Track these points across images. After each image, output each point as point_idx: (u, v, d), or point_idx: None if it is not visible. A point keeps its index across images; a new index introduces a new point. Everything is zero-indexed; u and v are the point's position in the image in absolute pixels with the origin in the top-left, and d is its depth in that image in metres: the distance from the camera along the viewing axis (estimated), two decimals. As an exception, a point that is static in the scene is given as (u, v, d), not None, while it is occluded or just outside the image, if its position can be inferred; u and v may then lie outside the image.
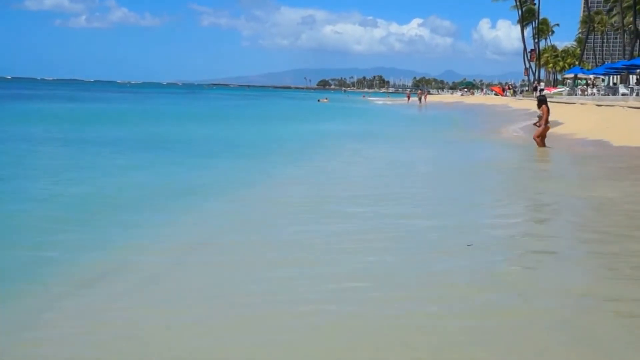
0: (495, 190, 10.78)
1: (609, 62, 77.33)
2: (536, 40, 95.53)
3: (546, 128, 17.53)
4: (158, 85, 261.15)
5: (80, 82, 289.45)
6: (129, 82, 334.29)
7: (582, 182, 11.57)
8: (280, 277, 5.32)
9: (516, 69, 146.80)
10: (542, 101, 17.89)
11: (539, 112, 17.63)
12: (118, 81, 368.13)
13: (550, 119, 17.83)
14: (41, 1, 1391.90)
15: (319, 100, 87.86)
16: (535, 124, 18.14)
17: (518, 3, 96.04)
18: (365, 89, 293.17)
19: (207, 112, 47.14)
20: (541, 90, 65.66)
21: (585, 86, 62.92)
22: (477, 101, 72.36)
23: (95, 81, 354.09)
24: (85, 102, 57.17)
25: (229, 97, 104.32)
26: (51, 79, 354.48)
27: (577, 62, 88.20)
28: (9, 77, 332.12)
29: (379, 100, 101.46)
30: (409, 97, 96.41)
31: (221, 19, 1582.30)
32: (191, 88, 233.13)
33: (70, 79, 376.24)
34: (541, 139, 17.50)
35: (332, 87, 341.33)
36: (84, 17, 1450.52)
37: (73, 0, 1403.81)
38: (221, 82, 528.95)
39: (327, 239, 6.65)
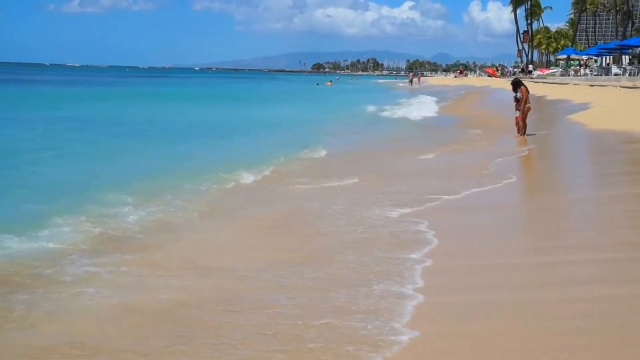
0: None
1: (602, 42, 76.67)
2: (529, 22, 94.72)
3: (527, 109, 16.57)
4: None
5: (96, 68, 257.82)
6: (127, 67, 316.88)
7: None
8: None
9: (509, 51, 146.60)
10: (517, 83, 17.03)
11: (517, 94, 16.62)
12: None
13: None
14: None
15: (318, 84, 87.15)
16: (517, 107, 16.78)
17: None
18: (360, 72, 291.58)
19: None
20: (529, 72, 65.21)
21: (578, 67, 62.43)
22: (467, 82, 71.68)
23: (108, 67, 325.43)
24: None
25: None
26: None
27: (570, 44, 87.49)
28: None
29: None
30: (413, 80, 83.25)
31: (214, 2, 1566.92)
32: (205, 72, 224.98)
33: (85, 65, 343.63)
34: (523, 125, 16.50)
35: (327, 70, 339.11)
36: (76, 2, 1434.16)
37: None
38: (219, 67, 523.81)
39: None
